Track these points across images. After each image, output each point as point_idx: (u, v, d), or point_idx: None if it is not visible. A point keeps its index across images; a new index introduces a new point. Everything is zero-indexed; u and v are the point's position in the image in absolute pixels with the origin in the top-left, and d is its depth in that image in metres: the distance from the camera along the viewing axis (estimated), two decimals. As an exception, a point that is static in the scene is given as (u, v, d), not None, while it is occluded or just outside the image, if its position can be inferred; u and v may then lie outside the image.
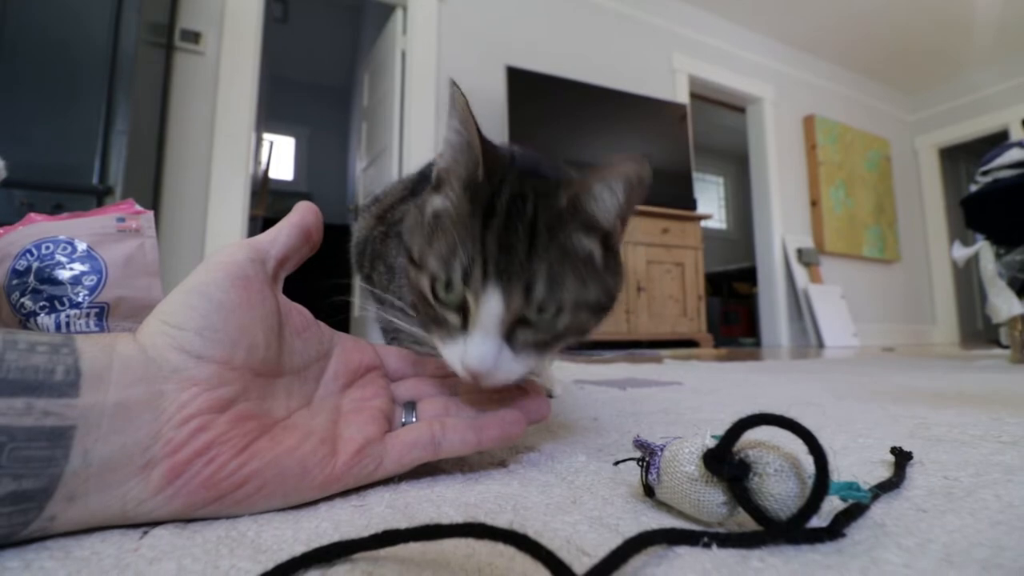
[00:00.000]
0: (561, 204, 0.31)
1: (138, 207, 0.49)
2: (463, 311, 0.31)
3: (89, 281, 0.42)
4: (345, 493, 0.28)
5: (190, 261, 1.96)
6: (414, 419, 0.32)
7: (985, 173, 1.52)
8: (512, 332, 0.30)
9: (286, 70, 4.24)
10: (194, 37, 2.05)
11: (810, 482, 0.21)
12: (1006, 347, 1.59)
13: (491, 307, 0.29)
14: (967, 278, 4.30)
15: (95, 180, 1.45)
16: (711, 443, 0.24)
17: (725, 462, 0.22)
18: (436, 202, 0.33)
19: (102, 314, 0.43)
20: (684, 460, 0.24)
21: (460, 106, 0.31)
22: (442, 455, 0.30)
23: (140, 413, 0.22)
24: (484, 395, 0.35)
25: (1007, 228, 1.46)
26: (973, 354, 2.10)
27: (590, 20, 3.13)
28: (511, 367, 0.31)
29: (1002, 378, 1.01)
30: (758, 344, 3.72)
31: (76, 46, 1.48)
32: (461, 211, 0.31)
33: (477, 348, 0.29)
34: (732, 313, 4.62)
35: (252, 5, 2.19)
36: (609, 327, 2.58)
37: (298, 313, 0.31)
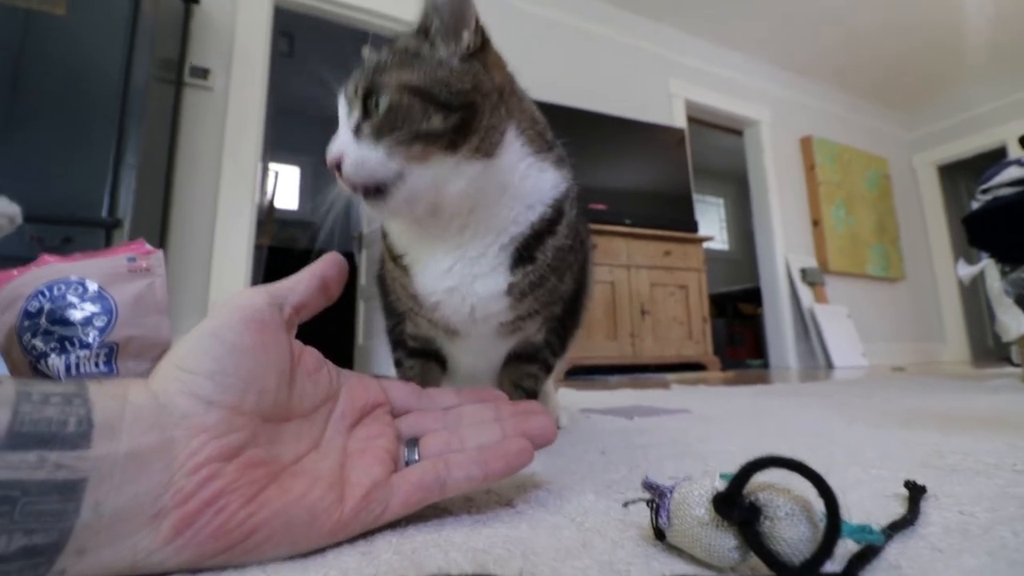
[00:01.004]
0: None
1: (148, 246, 0.50)
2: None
3: (100, 322, 0.43)
4: (352, 538, 0.27)
5: (196, 291, 1.98)
6: (416, 457, 0.32)
7: (985, 191, 1.53)
8: (359, 128, 0.41)
9: (291, 100, 4.33)
10: (203, 73, 2.11)
11: (822, 525, 0.21)
12: (1018, 365, 1.57)
13: (341, 109, 0.43)
14: (975, 295, 4.27)
15: (104, 213, 1.48)
16: (720, 485, 0.23)
17: (735, 505, 0.22)
18: None
19: (111, 355, 0.43)
20: (694, 503, 0.24)
21: None
22: (448, 494, 0.30)
23: (152, 462, 0.22)
24: (488, 406, 0.36)
25: (1010, 246, 1.46)
26: (984, 373, 2.07)
27: (586, 48, 3.20)
28: (355, 150, 0.41)
29: (1014, 399, 0.99)
30: (766, 365, 3.69)
31: (89, 82, 1.52)
32: None
33: (333, 142, 0.42)
34: (738, 335, 4.59)
35: (259, 42, 2.26)
36: (614, 351, 2.58)
37: (310, 355, 0.32)
